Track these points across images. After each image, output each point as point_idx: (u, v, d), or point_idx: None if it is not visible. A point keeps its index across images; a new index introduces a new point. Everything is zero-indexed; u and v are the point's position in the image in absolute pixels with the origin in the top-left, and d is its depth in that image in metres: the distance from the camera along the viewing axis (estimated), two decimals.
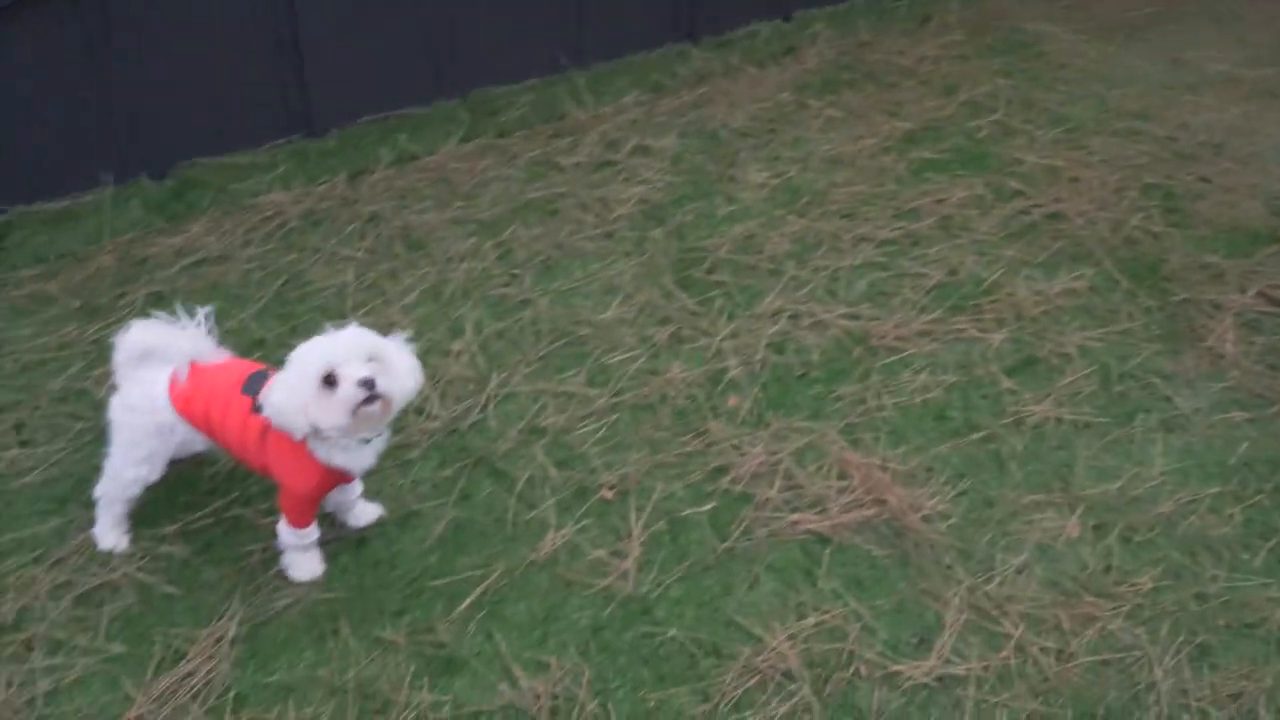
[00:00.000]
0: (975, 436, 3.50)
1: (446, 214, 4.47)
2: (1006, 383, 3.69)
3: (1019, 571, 3.08)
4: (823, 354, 3.80)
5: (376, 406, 2.60)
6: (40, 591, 2.95)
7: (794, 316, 3.95)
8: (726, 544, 3.13)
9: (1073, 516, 3.23)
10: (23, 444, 3.41)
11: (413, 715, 2.70)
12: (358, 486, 3.10)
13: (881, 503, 3.25)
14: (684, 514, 3.22)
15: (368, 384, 2.56)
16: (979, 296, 4.07)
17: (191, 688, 2.73)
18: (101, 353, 3.72)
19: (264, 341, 3.78)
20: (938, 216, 4.48)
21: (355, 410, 2.58)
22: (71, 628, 2.87)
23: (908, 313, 3.98)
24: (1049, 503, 3.28)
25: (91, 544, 3.07)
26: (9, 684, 2.73)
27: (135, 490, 3.00)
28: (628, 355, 3.77)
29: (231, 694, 2.73)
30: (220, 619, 2.89)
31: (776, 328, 3.89)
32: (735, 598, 2.99)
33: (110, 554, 3.05)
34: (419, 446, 3.41)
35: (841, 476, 3.34)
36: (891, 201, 4.59)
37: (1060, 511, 3.26)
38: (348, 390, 2.56)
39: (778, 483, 3.31)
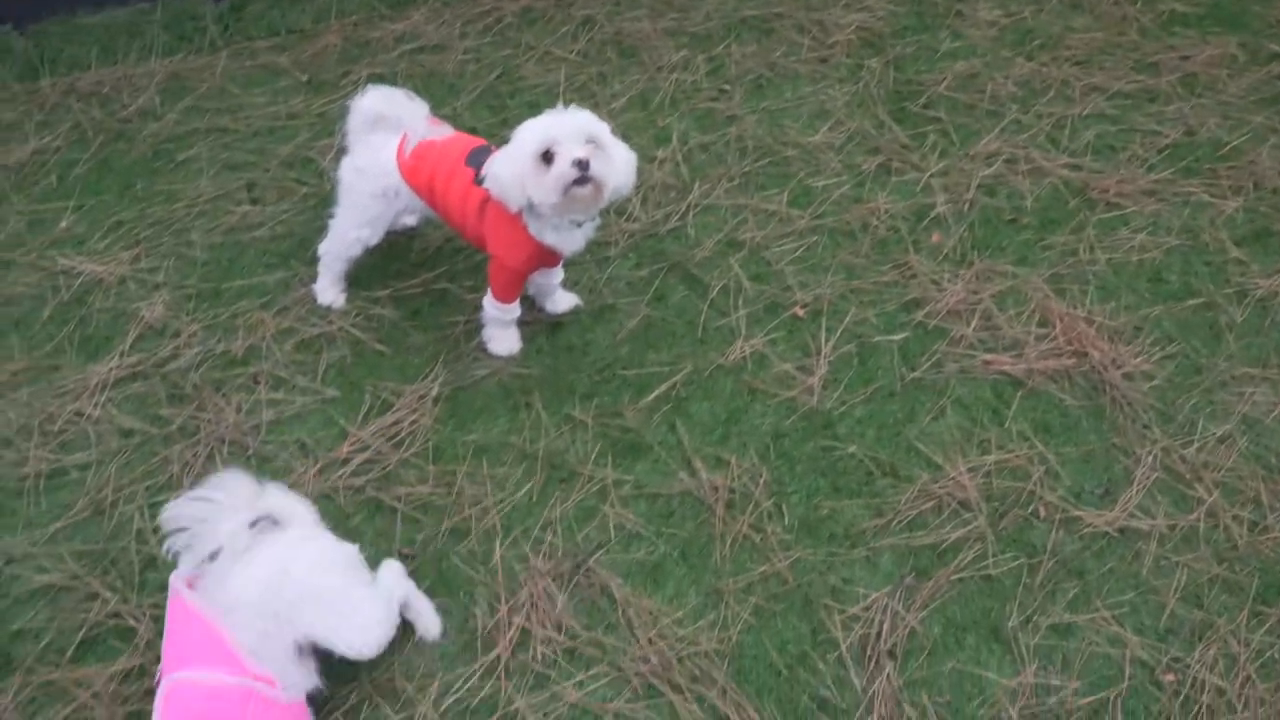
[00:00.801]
0: (1192, 303, 3.32)
1: (660, 24, 4.40)
2: (1235, 252, 3.46)
3: (1221, 440, 2.96)
4: (1037, 201, 3.63)
5: (588, 189, 2.65)
6: (266, 334, 3.18)
7: (1011, 161, 3.77)
8: (915, 374, 3.10)
9: None
10: (253, 202, 3.63)
11: (596, 487, 2.83)
12: (559, 273, 3.19)
13: (1082, 355, 3.14)
14: (874, 340, 3.20)
15: (582, 165, 2.60)
16: (1215, 161, 3.79)
17: (396, 435, 2.93)
18: (326, 125, 3.89)
19: (474, 130, 3.86)
20: (1181, 74, 4.15)
21: (567, 189, 2.63)
22: (292, 369, 3.10)
23: (1134, 169, 3.75)
24: (1264, 378, 3.11)
25: (312, 298, 3.27)
26: (238, 409, 2.98)
27: (356, 251, 3.17)
28: (833, 181, 3.69)
29: (431, 445, 2.91)
30: (424, 379, 3.07)
31: (991, 170, 3.74)
32: (918, 425, 2.98)
33: (328, 309, 3.25)
34: (618, 246, 3.46)
35: (1043, 324, 3.24)
36: (1131, 53, 4.27)
37: (1275, 388, 3.09)
38: (562, 168, 2.61)
39: (974, 322, 3.24)
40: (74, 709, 2.43)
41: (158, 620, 2.56)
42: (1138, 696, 2.48)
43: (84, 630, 2.56)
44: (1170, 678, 2.50)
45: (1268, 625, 2.61)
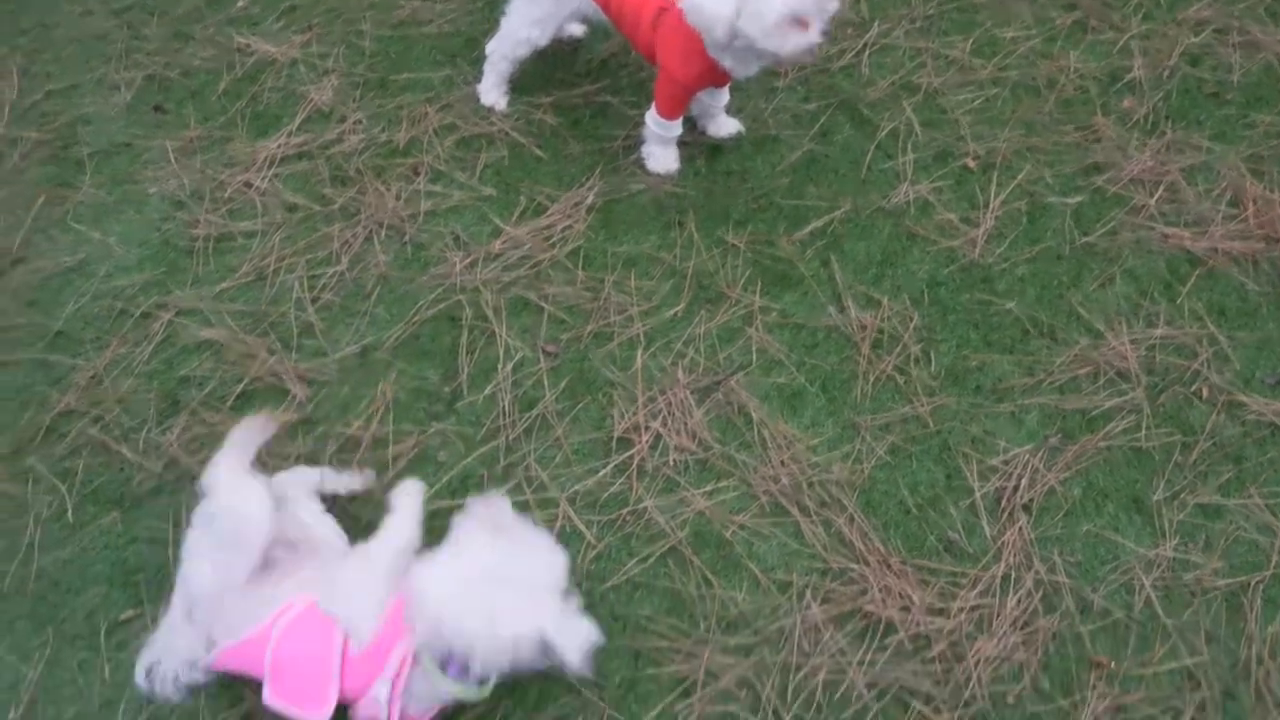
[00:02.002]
0: None
1: None
2: None
3: None
4: (1245, 76, 3.37)
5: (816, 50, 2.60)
6: (429, 128, 3.20)
7: (1221, 31, 3.49)
8: (1086, 239, 2.96)
9: None
10: None
11: (742, 311, 2.80)
12: (726, 95, 3.10)
13: (1274, 240, 2.95)
14: (1047, 200, 3.05)
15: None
16: None
17: (549, 238, 2.94)
18: None
19: None
20: None
21: (811, 50, 2.58)
22: (451, 164, 3.12)
23: None
24: None
25: (475, 97, 3.26)
26: (398, 196, 3.02)
27: (523, 51, 3.13)
28: (1022, 33, 3.48)
29: (582, 251, 2.91)
30: (580, 187, 3.05)
31: (1198, 39, 3.46)
32: (1083, 291, 2.85)
33: (490, 110, 3.24)
34: (786, 78, 3.35)
35: (1233, 204, 3.04)
36: None
37: None
38: (814, 38, 2.56)
39: (1158, 193, 3.05)
40: None
41: (311, 384, 2.67)
42: None
43: (243, 384, 2.67)
44: None
45: None
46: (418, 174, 3.10)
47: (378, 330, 2.78)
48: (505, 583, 1.84)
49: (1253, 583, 2.38)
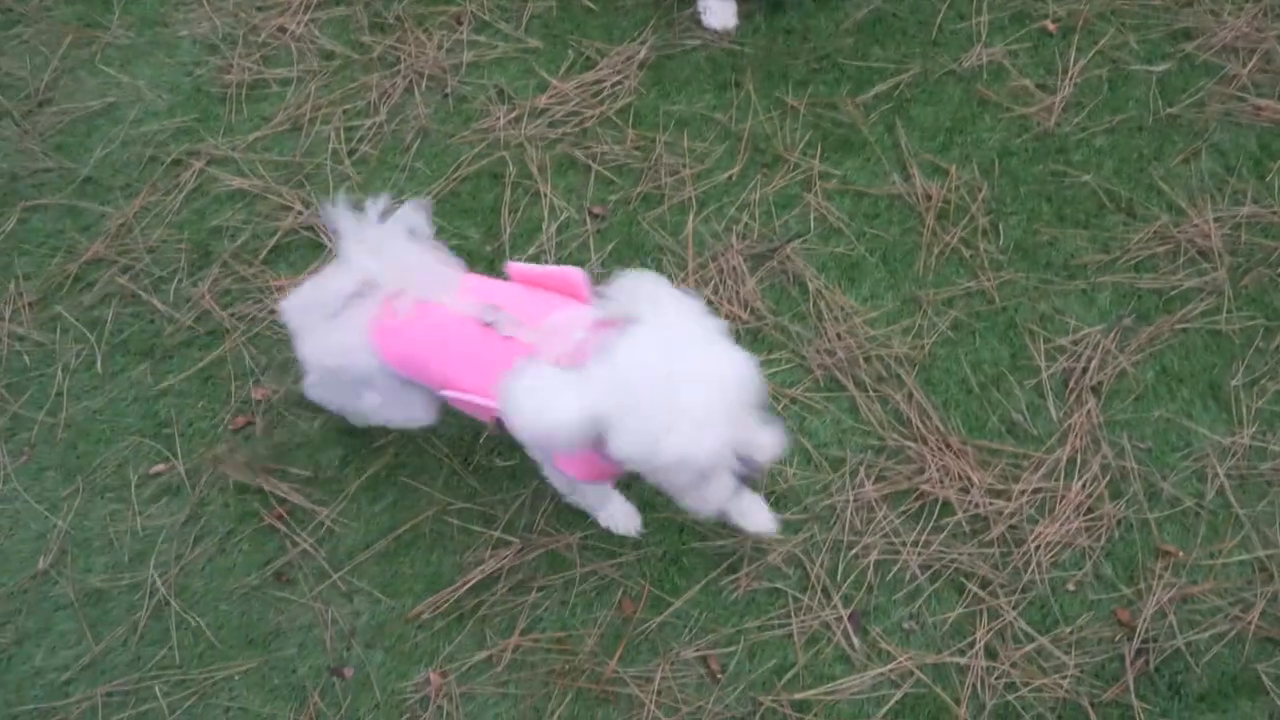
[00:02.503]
0: None
1: None
2: None
3: None
4: None
5: None
6: None
7: None
8: (1171, 110, 2.75)
9: None
10: None
11: (801, 176, 2.65)
12: None
13: None
14: (1131, 67, 2.83)
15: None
16: None
17: (598, 93, 2.77)
18: None
19: None
20: None
21: None
22: (495, 14, 2.93)
23: None
24: None
25: None
26: (439, 46, 2.85)
27: None
28: None
29: (632, 109, 2.75)
30: (631, 42, 2.87)
31: None
32: (1165, 165, 2.67)
33: None
34: None
35: None
36: None
37: None
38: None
39: (1252, 62, 2.83)
40: (263, 308, 2.46)
41: None
42: None
43: (276, 237, 2.57)
44: None
45: None
46: (460, 23, 2.92)
47: (417, 185, 2.65)
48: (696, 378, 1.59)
49: None
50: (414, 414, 2.07)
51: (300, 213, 2.59)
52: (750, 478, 1.70)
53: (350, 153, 2.69)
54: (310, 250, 2.55)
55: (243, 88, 2.79)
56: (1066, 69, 2.81)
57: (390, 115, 2.75)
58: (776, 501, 2.23)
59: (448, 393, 1.88)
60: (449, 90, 2.78)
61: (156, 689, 2.08)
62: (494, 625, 2.12)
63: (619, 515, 2.16)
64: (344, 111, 2.75)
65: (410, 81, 2.80)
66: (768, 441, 1.69)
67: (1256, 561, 2.17)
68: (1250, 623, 2.09)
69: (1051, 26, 2.90)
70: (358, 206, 1.90)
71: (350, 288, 1.89)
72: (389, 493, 2.27)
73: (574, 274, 1.87)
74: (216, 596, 2.17)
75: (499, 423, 1.83)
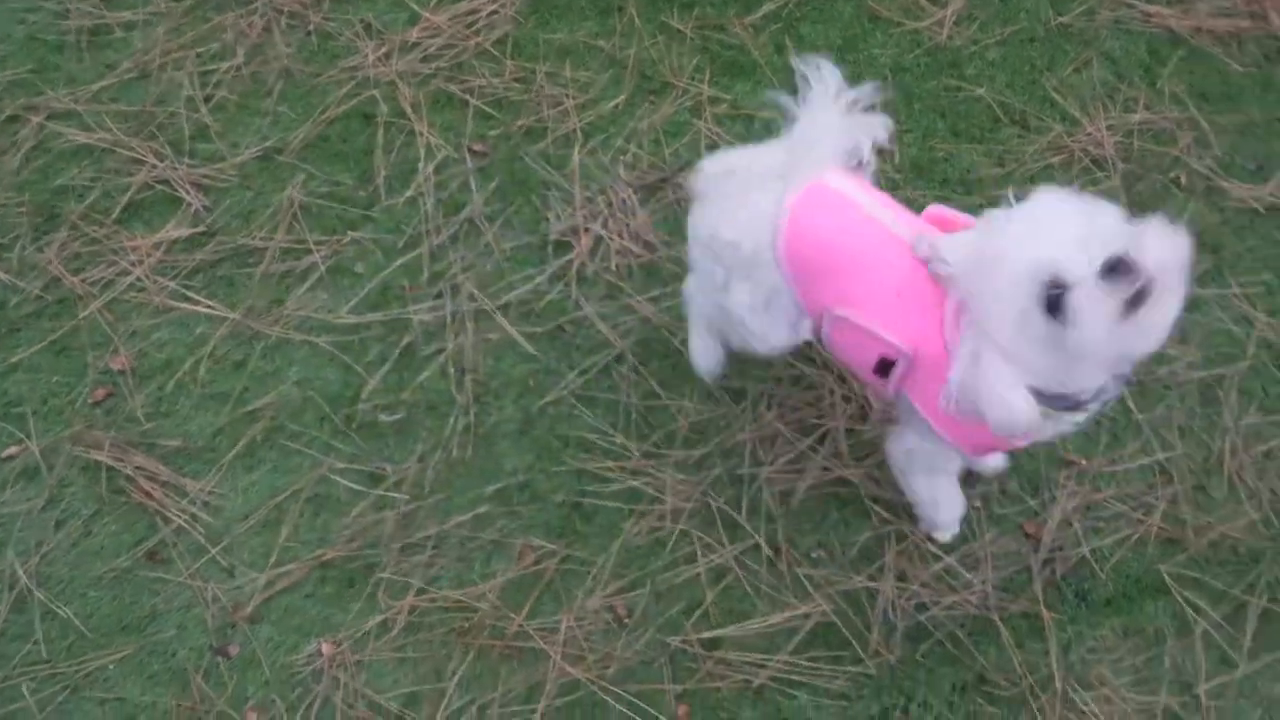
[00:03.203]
0: None
1: None
2: None
3: None
4: None
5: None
6: None
7: None
8: (1062, 19, 2.71)
9: None
10: None
11: (690, 102, 2.55)
12: None
13: (1260, 17, 2.72)
14: None
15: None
16: None
17: (474, 24, 2.62)
18: None
19: None
20: None
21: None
22: None
23: None
24: None
25: None
26: None
27: None
28: None
29: (511, 38, 2.61)
30: None
31: None
32: (1058, 75, 2.62)
33: None
34: None
35: None
36: None
37: None
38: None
39: None
40: (117, 271, 2.29)
41: (208, 191, 2.38)
42: (1258, 376, 2.27)
43: (129, 193, 2.39)
44: None
45: None
46: None
47: (282, 130, 2.48)
48: None
49: (1228, 375, 2.26)
50: (776, 331, 1.82)
51: (154, 166, 2.41)
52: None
53: (207, 99, 2.51)
54: (168, 205, 2.38)
55: (82, 34, 2.59)
56: None
57: (249, 57, 2.57)
58: (679, 440, 2.15)
59: (843, 312, 1.65)
60: (312, 27, 2.61)
61: (23, 687, 1.93)
62: (387, 588, 2.01)
63: (945, 506, 1.94)
64: (197, 55, 2.56)
65: (269, 20, 2.62)
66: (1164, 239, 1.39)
67: (1156, 465, 2.16)
68: (1152, 526, 2.08)
69: None
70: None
71: (781, 162, 1.70)
72: (267, 458, 2.13)
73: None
74: (84, 583, 2.02)
75: (882, 365, 1.63)
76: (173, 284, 2.29)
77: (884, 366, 1.65)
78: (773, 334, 1.84)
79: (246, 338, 2.25)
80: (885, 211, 1.67)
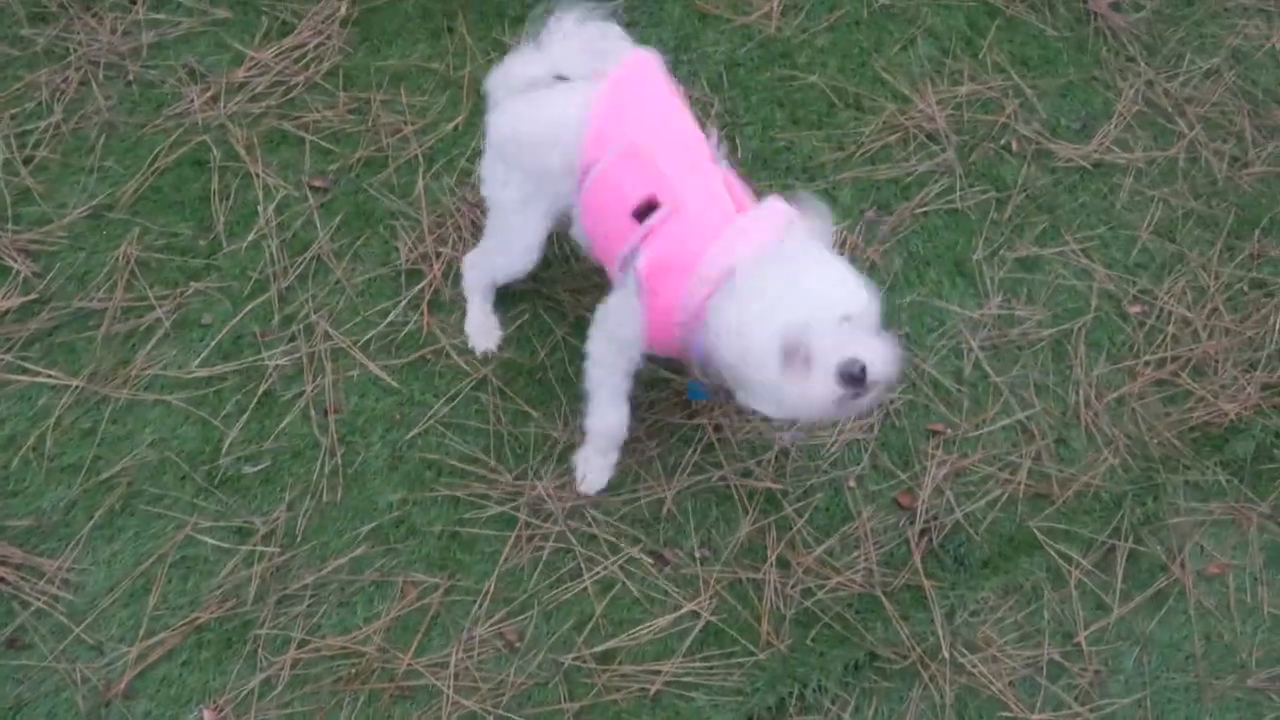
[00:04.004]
0: None
1: None
2: None
3: (1207, 75, 2.73)
4: None
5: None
6: None
7: None
8: (883, 1, 2.77)
9: None
10: None
11: None
12: None
13: None
14: None
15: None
16: None
17: (300, 59, 2.56)
18: None
19: None
20: None
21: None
22: None
23: None
24: (1258, 9, 2.86)
25: None
26: (113, 30, 2.58)
27: None
28: None
29: (341, 70, 2.56)
30: None
31: None
32: (886, 55, 2.69)
33: None
34: None
35: None
36: None
37: (1268, 20, 2.84)
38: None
39: None
40: None
41: (36, 256, 2.28)
42: (1103, 328, 2.37)
43: None
44: (1137, 309, 2.39)
45: (1239, 259, 2.48)
46: (134, 2, 2.64)
47: (110, 186, 2.39)
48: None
49: (1075, 328, 2.35)
50: (528, 231, 1.96)
51: None
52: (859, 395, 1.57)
53: (26, 161, 2.40)
54: None
55: None
56: None
57: (67, 113, 2.47)
58: (552, 458, 2.13)
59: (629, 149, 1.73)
60: (132, 77, 2.52)
61: None
62: (267, 644, 1.95)
63: (608, 417, 2.00)
64: (11, 116, 2.45)
65: (85, 73, 2.52)
66: (882, 351, 1.58)
67: (1018, 424, 2.23)
68: (1019, 484, 2.15)
69: None
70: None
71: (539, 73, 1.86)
72: (128, 525, 2.05)
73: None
74: None
75: (645, 208, 1.71)
76: (8, 357, 2.18)
77: (645, 211, 1.71)
78: (526, 234, 1.97)
79: (94, 403, 2.15)
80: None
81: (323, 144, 2.46)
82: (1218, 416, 2.26)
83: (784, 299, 1.57)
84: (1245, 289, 2.44)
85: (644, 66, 1.82)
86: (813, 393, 1.55)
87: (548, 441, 2.14)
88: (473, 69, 2.58)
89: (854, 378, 1.53)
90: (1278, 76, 2.75)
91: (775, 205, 1.74)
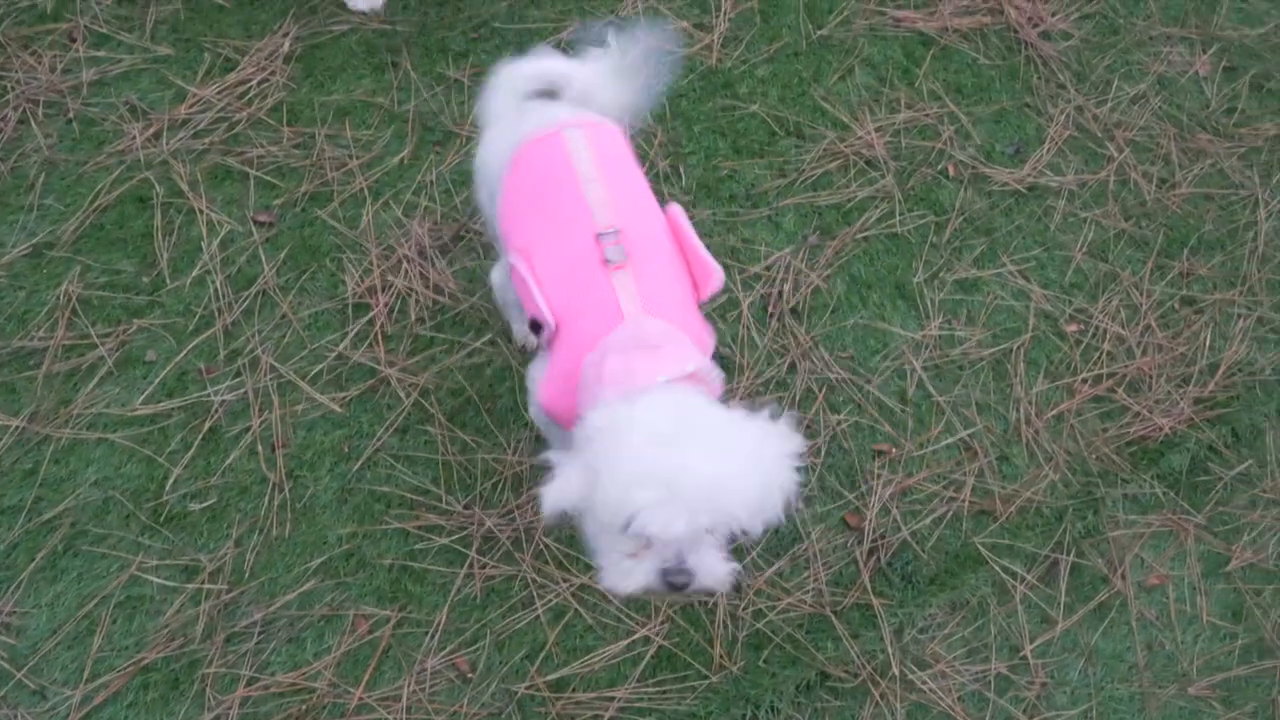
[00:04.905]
0: None
1: None
2: None
3: (1134, 100, 2.82)
4: None
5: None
6: None
7: None
8: (821, 32, 2.84)
9: (1205, 54, 2.91)
10: None
11: (474, 148, 2.54)
12: None
13: (998, 12, 2.92)
14: None
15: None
16: None
17: (245, 94, 2.57)
18: None
19: None
20: None
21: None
22: (114, 25, 2.67)
23: None
24: (1181, 37, 2.95)
25: None
26: (52, 68, 2.57)
27: None
28: None
29: (285, 105, 2.56)
30: (273, 34, 2.68)
31: None
32: (824, 85, 2.75)
33: None
34: None
35: None
36: None
37: (1191, 47, 2.94)
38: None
39: None
40: None
41: None
42: (1041, 346, 2.42)
43: None
44: (1073, 328, 2.45)
45: (1169, 277, 2.56)
46: (74, 40, 2.63)
47: (50, 224, 2.37)
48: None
49: (1014, 347, 2.40)
50: None
51: None
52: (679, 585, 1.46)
53: None
54: None
55: None
56: (719, 6, 2.85)
57: (6, 151, 2.45)
58: (502, 485, 2.14)
59: (516, 262, 1.68)
60: (72, 114, 2.51)
61: None
62: (215, 683, 1.93)
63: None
64: None
65: (24, 111, 2.50)
66: (718, 571, 1.46)
67: (961, 443, 2.27)
68: (963, 501, 2.19)
69: None
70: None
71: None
72: (71, 566, 2.02)
73: (717, 278, 1.71)
74: None
75: (534, 325, 1.66)
76: None
77: (535, 325, 1.70)
78: None
79: (35, 443, 2.13)
80: (598, 190, 1.69)
81: (267, 179, 2.46)
82: (1153, 431, 2.32)
83: (660, 473, 1.39)
84: (1176, 306, 2.51)
85: (560, 140, 1.74)
86: (633, 571, 1.46)
87: (497, 469, 2.14)
88: (417, 103, 2.60)
89: (674, 586, 1.45)
90: (1201, 101, 2.84)
91: (683, 349, 1.60)
